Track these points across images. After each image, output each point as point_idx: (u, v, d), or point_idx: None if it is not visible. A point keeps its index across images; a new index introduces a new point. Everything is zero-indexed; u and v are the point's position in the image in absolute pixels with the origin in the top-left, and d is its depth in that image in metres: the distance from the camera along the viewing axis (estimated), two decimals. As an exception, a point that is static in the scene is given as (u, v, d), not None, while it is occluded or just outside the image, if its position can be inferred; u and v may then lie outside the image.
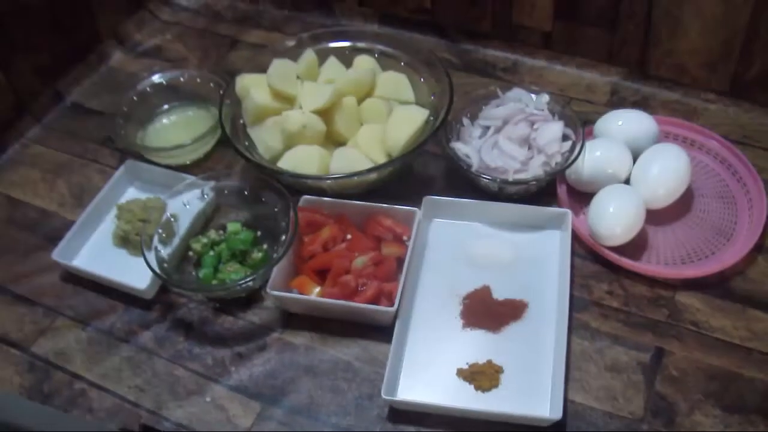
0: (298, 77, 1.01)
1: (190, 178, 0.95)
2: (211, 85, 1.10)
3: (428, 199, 0.94)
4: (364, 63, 1.05)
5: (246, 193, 0.94)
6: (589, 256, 0.92)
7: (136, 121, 1.09)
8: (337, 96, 0.97)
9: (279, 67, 1.00)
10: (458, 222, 0.95)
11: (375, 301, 0.84)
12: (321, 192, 0.94)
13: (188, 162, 1.05)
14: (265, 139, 0.97)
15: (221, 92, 1.04)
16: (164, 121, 1.11)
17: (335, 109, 0.97)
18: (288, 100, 0.99)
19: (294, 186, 0.93)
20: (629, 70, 1.13)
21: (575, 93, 1.12)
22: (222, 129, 0.97)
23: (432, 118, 0.97)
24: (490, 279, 0.89)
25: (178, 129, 1.09)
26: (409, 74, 1.04)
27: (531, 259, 0.91)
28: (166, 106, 1.12)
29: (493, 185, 0.94)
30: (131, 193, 1.03)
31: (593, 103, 1.10)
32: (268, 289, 0.84)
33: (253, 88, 0.99)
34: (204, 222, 0.95)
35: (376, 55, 1.07)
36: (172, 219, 0.92)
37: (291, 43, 1.07)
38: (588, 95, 1.12)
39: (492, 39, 1.19)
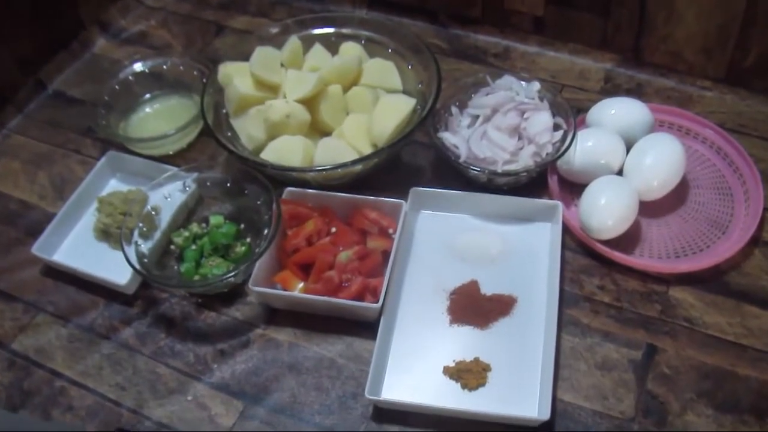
0: (282, 65, 0.99)
1: (171, 170, 0.93)
2: (195, 72, 1.07)
3: (415, 191, 0.92)
4: (350, 50, 1.02)
5: (229, 185, 0.92)
6: (580, 250, 0.90)
7: (118, 111, 1.06)
8: (322, 84, 0.95)
9: (262, 54, 0.97)
10: (446, 214, 0.93)
11: (359, 296, 0.82)
12: (305, 184, 0.91)
13: (171, 152, 1.03)
14: (248, 129, 0.95)
15: (204, 81, 1.01)
16: (147, 110, 1.09)
17: (320, 97, 0.95)
18: (272, 89, 0.97)
19: (278, 178, 0.91)
20: (623, 56, 1.10)
21: (568, 80, 1.09)
22: (204, 119, 0.95)
23: (419, 107, 0.94)
24: (479, 273, 0.87)
25: (160, 118, 1.07)
26: (396, 61, 1.02)
27: (520, 252, 0.89)
28: (148, 95, 1.09)
29: (481, 176, 0.91)
30: (113, 185, 1.00)
31: (586, 91, 1.08)
32: (250, 285, 0.82)
33: (236, 76, 0.96)
34: (186, 214, 0.93)
35: (363, 42, 1.04)
36: (153, 212, 0.90)
37: (276, 29, 1.04)
38: (581, 82, 1.09)
39: (483, 24, 1.16)
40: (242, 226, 0.91)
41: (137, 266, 0.83)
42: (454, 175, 0.95)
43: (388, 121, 0.91)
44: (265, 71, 0.96)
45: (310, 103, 0.95)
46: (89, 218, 0.96)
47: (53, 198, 1.01)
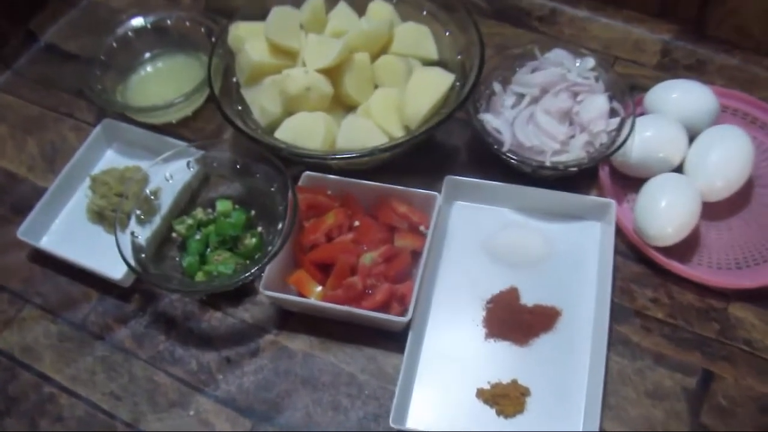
0: (301, 27, 0.87)
1: (174, 144, 0.82)
2: (203, 30, 0.95)
3: (450, 180, 0.81)
4: (379, 11, 0.90)
5: (238, 166, 0.81)
6: (631, 254, 0.80)
7: (115, 71, 0.95)
8: (347, 52, 0.83)
9: (279, 16, 0.85)
10: (483, 206, 0.83)
11: (385, 306, 0.72)
12: (325, 167, 0.81)
13: (174, 121, 0.92)
14: (261, 101, 0.84)
15: (213, 40, 0.89)
16: (148, 69, 0.97)
17: (345, 67, 0.83)
18: (289, 56, 0.85)
19: (294, 159, 0.80)
20: (683, 27, 0.97)
21: (621, 51, 0.97)
22: (210, 88, 0.83)
23: (458, 84, 0.83)
24: (519, 279, 0.77)
25: (163, 80, 0.96)
26: (431, 26, 0.89)
27: (566, 255, 0.79)
28: (149, 54, 0.97)
29: (526, 168, 0.80)
30: (109, 157, 0.90)
31: (641, 65, 0.96)
32: (261, 288, 0.73)
33: (249, 40, 0.85)
34: (189, 196, 0.83)
35: (394, 2, 0.92)
36: (153, 196, 0.79)
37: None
38: (635, 55, 0.97)
39: (528, -18, 1.04)
40: (253, 212, 0.82)
41: (132, 263, 0.73)
42: (492, 158, 0.84)
43: (422, 99, 0.80)
44: (283, 35, 0.84)
45: (333, 73, 0.83)
46: (82, 196, 0.86)
47: (43, 170, 0.91)
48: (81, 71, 0.93)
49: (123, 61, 0.96)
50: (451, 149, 0.88)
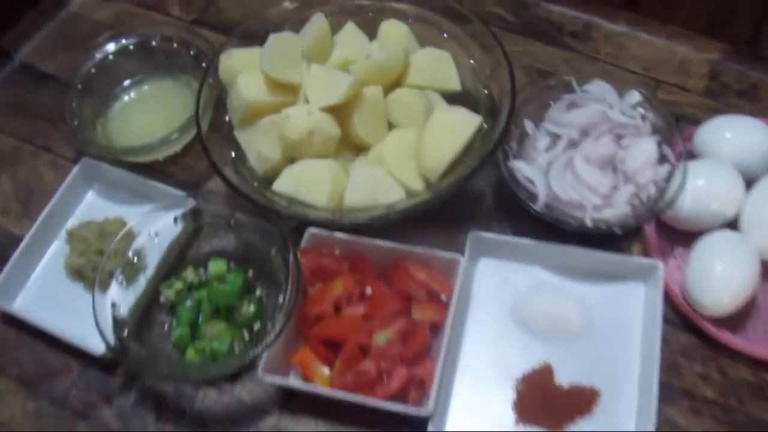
0: (303, 55, 0.76)
1: (161, 191, 0.73)
2: (192, 52, 0.84)
3: (475, 237, 0.72)
4: (393, 33, 0.80)
5: (232, 222, 0.72)
6: (678, 321, 0.70)
7: (95, 100, 0.85)
8: (357, 87, 0.72)
9: (277, 44, 0.74)
10: (512, 264, 0.73)
11: (402, 393, 0.64)
12: (332, 223, 0.71)
13: (161, 158, 0.82)
14: (258, 146, 0.73)
15: (203, 65, 0.79)
16: (132, 95, 0.87)
17: (354, 104, 0.73)
18: (289, 90, 0.75)
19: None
20: (735, 47, 0.87)
21: (664, 74, 0.87)
22: (198, 129, 0.73)
23: (486, 126, 0.72)
24: (553, 353, 0.68)
25: (148, 109, 0.86)
26: (452, 49, 0.79)
27: (606, 324, 0.70)
28: (128, 82, 0.87)
29: (565, 227, 0.71)
30: (90, 200, 0.81)
31: (687, 91, 0.85)
32: (260, 371, 0.64)
33: (243, 72, 0.74)
34: (178, 251, 0.74)
35: (409, 21, 0.81)
36: (136, 257, 0.70)
37: (292, 3, 0.81)
38: (680, 78, 0.86)
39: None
40: (251, 272, 0.72)
41: (112, 342, 0.64)
42: (523, 207, 0.74)
43: (444, 147, 0.70)
44: (281, 69, 0.73)
45: (340, 111, 0.73)
46: (60, 247, 0.77)
47: (17, 213, 0.82)
48: (58, 98, 0.83)
49: (103, 87, 0.85)
50: (475, 195, 0.78)
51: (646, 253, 0.73)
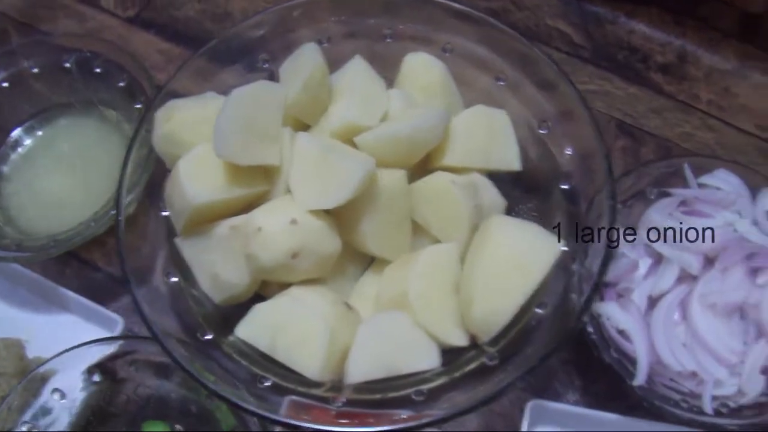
0: (284, 117, 0.49)
1: (77, 302, 0.49)
2: (120, 84, 0.57)
3: (537, 406, 0.49)
4: (423, 76, 0.53)
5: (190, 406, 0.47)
6: None
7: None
8: (368, 179, 0.46)
9: (241, 106, 0.46)
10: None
11: None
12: (328, 401, 0.46)
13: (79, 243, 0.55)
14: (211, 266, 0.47)
15: (138, 105, 0.53)
16: (37, 141, 0.59)
17: (363, 201, 0.47)
18: (262, 175, 0.48)
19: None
20: None
21: (787, 134, 0.62)
22: (117, 228, 0.47)
23: (566, 249, 0.47)
24: None
25: (61, 165, 0.58)
26: (511, 108, 0.53)
27: None
28: (31, 121, 0.59)
29: (681, 414, 0.47)
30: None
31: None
32: None
33: (188, 154, 0.47)
34: (94, 412, 0.49)
35: (447, 54, 0.54)
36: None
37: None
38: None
39: (648, 4, 0.66)
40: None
41: None
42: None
43: (504, 294, 0.44)
44: (248, 147, 0.46)
45: (343, 212, 0.47)
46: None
47: None
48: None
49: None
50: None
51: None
